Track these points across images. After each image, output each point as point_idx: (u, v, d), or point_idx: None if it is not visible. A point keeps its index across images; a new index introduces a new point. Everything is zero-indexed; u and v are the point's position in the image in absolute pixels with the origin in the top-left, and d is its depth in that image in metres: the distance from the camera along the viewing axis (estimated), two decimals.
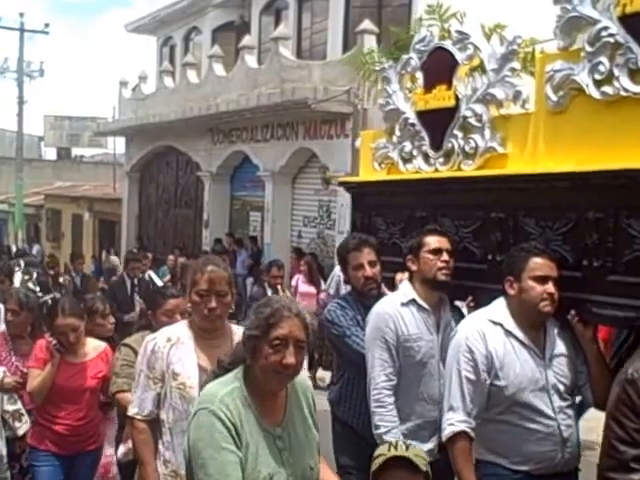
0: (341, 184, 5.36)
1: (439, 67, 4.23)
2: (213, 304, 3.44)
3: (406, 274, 4.11)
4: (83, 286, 12.30)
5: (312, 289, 10.89)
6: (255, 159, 17.01)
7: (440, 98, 4.21)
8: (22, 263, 9.86)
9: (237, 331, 3.53)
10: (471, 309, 4.06)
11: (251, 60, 16.85)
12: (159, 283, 10.55)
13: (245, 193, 18.65)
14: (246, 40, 17.18)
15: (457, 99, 4.08)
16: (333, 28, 15.84)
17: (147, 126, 20.41)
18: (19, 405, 5.09)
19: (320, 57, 15.96)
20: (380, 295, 4.27)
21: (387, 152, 4.65)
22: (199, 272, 3.50)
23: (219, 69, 18.05)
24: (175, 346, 3.48)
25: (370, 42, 12.89)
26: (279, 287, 8.83)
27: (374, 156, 4.75)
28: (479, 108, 3.97)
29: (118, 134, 25.21)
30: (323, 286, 10.79)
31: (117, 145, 29.88)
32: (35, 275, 11.23)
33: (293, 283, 11.23)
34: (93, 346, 4.90)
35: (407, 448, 3.08)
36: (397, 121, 4.54)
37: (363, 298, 4.30)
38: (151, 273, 11.66)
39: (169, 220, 22.31)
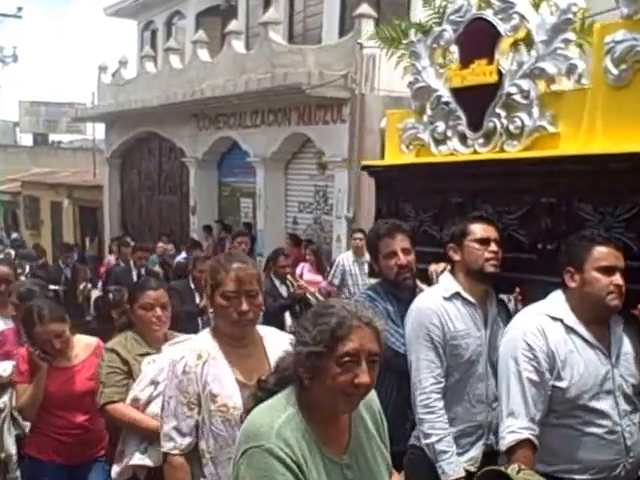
0: (364, 168, 4.97)
1: (478, 40, 3.92)
2: (244, 307, 2.99)
3: (441, 265, 3.85)
4: (73, 278, 11.88)
5: (319, 277, 10.60)
6: (244, 145, 16.76)
7: (480, 73, 3.92)
8: (12, 254, 9.60)
9: (267, 334, 3.16)
10: (520, 304, 3.82)
11: (238, 45, 16.58)
12: None
13: (234, 179, 18.38)
14: (233, 25, 16.89)
15: (500, 74, 3.79)
16: (329, 11, 15.59)
17: (128, 112, 20.05)
18: None
19: (314, 41, 15.72)
20: (415, 287, 3.98)
21: (417, 133, 4.36)
22: (223, 270, 3.03)
23: (204, 54, 17.76)
24: (207, 363, 3.01)
25: (368, 27, 12.69)
26: (289, 277, 8.32)
27: (401, 138, 4.46)
28: (526, 84, 3.69)
29: (97, 120, 24.82)
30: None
31: (97, 131, 29.53)
32: (28, 269, 10.87)
33: (297, 271, 10.80)
34: (83, 344, 4.51)
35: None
36: (428, 99, 4.24)
37: (396, 289, 3.93)
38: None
39: (153, 207, 21.99)
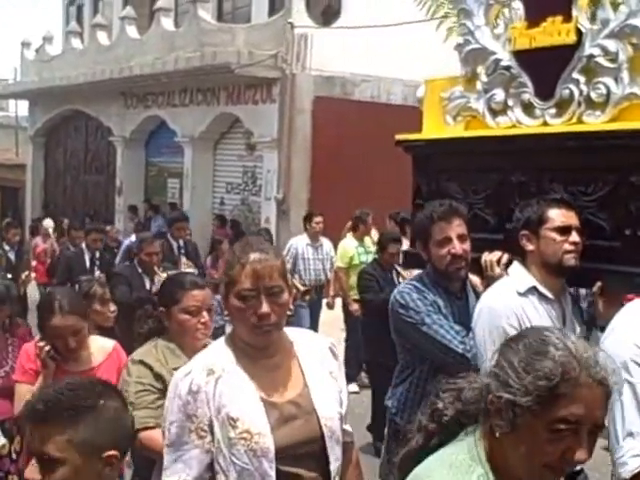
0: (399, 143, 4.23)
1: None
2: (265, 308, 2.40)
3: (495, 254, 3.40)
4: (18, 262, 10.51)
5: None
6: (172, 124, 16.63)
7: (553, 33, 3.42)
8: None
9: (300, 339, 2.59)
10: (601, 300, 3.36)
11: (167, 22, 16.41)
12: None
13: (162, 159, 18.22)
14: (162, 2, 16.72)
15: (579, 34, 3.30)
16: None
17: (53, 89, 19.64)
18: None
19: (244, 20, 15.66)
20: (466, 278, 3.60)
21: (466, 103, 3.78)
22: (237, 264, 2.45)
23: (132, 31, 17.52)
24: (221, 380, 2.41)
25: (299, 6, 12.72)
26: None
27: (446, 108, 3.89)
28: (613, 45, 3.22)
29: (20, 97, 24.26)
30: None
31: (19, 108, 28.70)
32: None
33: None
34: (98, 346, 3.82)
35: None
36: (482, 64, 3.70)
37: (446, 281, 3.53)
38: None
39: (78, 187, 21.60)
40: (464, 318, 3.47)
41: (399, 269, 7.12)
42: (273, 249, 2.60)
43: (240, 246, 2.58)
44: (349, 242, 9.24)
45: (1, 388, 4.15)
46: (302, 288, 8.12)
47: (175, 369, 2.89)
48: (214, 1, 16.54)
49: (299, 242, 9.45)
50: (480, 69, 3.71)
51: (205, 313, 3.28)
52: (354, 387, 8.34)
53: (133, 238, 12.58)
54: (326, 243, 9.57)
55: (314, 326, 9.08)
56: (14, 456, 4.13)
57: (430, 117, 4.06)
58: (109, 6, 21.43)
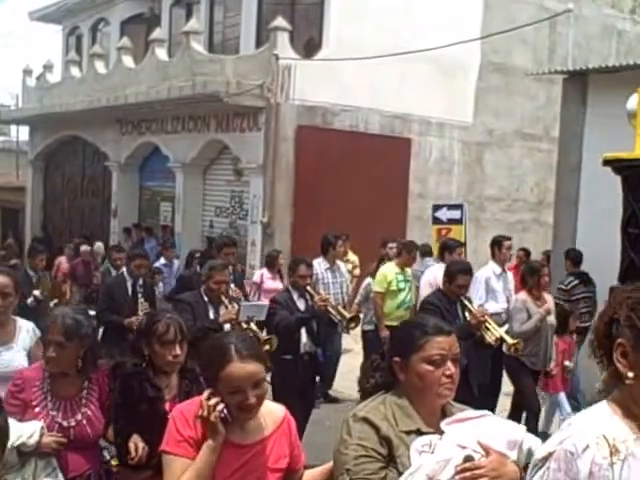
0: (607, 163, 3.79)
1: None
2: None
3: None
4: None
5: (279, 284, 9.98)
6: (165, 150, 17.17)
7: None
8: None
9: None
10: None
11: (161, 53, 16.93)
12: None
13: (155, 183, 18.77)
14: (156, 33, 17.25)
15: None
16: (246, 23, 16.07)
17: (52, 115, 20.19)
18: (60, 478, 3.54)
19: (232, 51, 16.21)
20: None
21: None
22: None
23: (128, 61, 18.04)
24: (627, 463, 1.90)
25: (283, 39, 13.32)
26: (308, 288, 6.86)
27: None
28: None
29: (22, 122, 24.81)
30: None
31: (20, 133, 29.33)
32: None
33: (256, 279, 10.46)
34: (266, 411, 2.88)
35: None
36: None
37: None
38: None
39: (75, 209, 22.13)
40: None
41: (465, 301, 6.57)
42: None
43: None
44: (390, 268, 9.12)
45: (73, 440, 3.62)
46: (348, 315, 7.30)
47: (405, 432, 2.53)
48: (206, 33, 17.06)
49: (317, 267, 8.64)
50: None
51: (451, 364, 2.60)
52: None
53: (162, 261, 12.72)
54: (342, 265, 9.39)
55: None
56: None
57: None
58: (107, 36, 21.96)
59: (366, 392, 2.72)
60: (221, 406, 2.69)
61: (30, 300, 8.33)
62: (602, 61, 13.33)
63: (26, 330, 4.47)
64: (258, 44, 15.41)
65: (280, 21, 13.94)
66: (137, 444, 3.51)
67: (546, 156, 16.36)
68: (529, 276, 7.26)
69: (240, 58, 15.07)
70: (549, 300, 7.34)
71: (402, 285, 8.94)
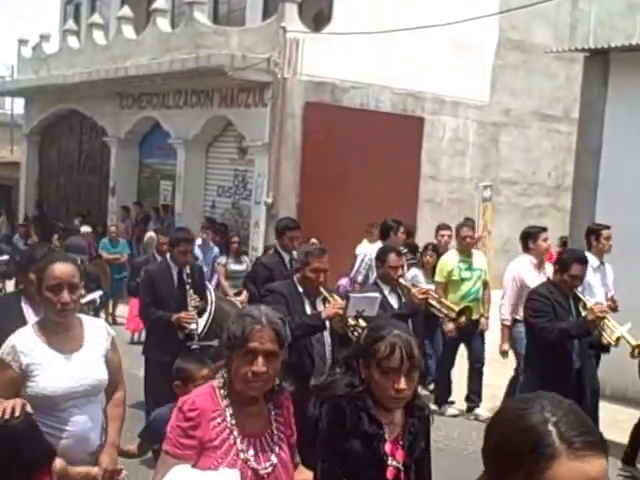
0: None
1: None
2: None
3: None
4: None
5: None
6: (166, 126, 16.60)
7: None
8: None
9: None
10: None
11: (163, 23, 16.39)
12: None
13: (155, 160, 18.18)
14: (158, 2, 16.70)
15: None
16: None
17: (49, 87, 19.59)
18: None
19: (238, 23, 15.69)
20: None
21: None
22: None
23: (128, 31, 17.47)
24: None
25: (291, 11, 12.71)
26: (402, 281, 6.29)
27: None
28: None
29: (17, 94, 24.17)
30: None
31: (15, 105, 28.69)
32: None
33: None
34: None
35: None
36: None
37: None
38: None
39: (72, 186, 21.53)
40: None
41: (580, 295, 5.89)
42: None
43: None
44: (450, 256, 8.31)
45: None
46: (456, 308, 6.73)
47: None
48: (210, 3, 16.55)
49: (371, 253, 7.98)
50: None
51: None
52: (453, 410, 8.13)
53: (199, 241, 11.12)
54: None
55: None
56: None
57: None
58: (106, 5, 21.42)
59: None
60: None
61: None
62: (625, 39, 12.71)
63: (96, 327, 3.55)
64: (265, 16, 14.89)
65: None
66: None
67: (565, 138, 15.82)
68: None
69: (246, 30, 14.48)
70: None
71: (466, 274, 8.11)
